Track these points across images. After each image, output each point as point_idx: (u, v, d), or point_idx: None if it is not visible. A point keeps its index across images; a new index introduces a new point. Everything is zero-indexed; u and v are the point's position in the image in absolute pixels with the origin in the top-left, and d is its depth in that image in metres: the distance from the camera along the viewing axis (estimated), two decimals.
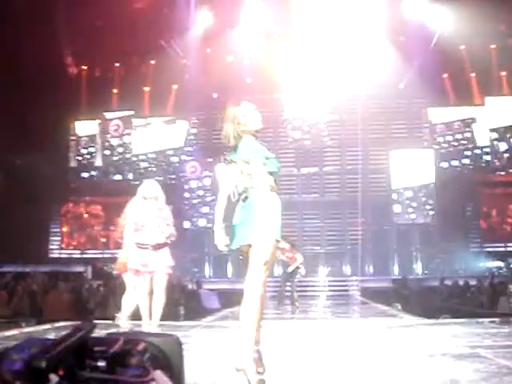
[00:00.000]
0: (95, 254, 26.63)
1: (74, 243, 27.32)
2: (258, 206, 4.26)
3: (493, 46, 26.17)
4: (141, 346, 1.70)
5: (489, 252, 24.85)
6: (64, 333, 1.60)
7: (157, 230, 7.06)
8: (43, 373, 1.49)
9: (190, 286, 17.31)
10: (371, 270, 25.24)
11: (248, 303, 4.13)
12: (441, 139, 26.38)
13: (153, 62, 27.65)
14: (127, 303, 7.41)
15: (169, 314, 10.97)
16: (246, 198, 4.38)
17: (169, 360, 1.96)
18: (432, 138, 26.44)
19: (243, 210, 4.35)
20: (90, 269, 23.49)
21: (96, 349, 1.60)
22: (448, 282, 16.81)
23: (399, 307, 13.78)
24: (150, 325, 6.99)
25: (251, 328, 4.10)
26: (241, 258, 4.37)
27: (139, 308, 7.15)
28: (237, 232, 4.35)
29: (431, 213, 25.26)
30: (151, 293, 7.01)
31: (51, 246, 27.34)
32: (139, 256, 6.98)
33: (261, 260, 4.11)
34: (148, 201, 7.27)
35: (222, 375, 4.87)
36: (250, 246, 4.20)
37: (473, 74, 26.32)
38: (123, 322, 7.36)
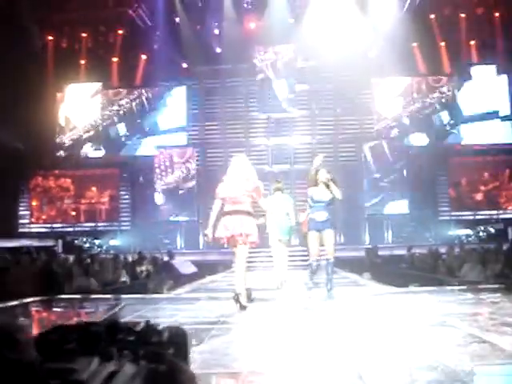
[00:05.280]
0: (66, 227, 26.41)
1: (44, 217, 26.99)
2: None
3: (462, 15, 26.25)
4: (160, 327, 2.03)
5: (458, 220, 25.15)
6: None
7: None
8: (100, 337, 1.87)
9: (162, 258, 17.20)
10: (342, 239, 25.38)
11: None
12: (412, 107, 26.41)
13: (121, 31, 27.18)
14: None
15: (138, 286, 10.97)
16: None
17: (177, 348, 2.17)
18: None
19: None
20: (60, 243, 23.30)
21: (124, 326, 1.95)
22: (417, 251, 16.96)
23: (369, 276, 13.89)
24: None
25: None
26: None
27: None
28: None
29: (402, 182, 25.32)
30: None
31: (21, 221, 27.02)
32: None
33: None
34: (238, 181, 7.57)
35: None
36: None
37: (442, 44, 26.35)
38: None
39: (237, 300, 7.35)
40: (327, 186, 8.72)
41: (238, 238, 7.42)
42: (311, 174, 8.91)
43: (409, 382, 3.69)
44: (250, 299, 7.81)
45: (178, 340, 2.15)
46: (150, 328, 2.00)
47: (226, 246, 7.74)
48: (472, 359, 4.16)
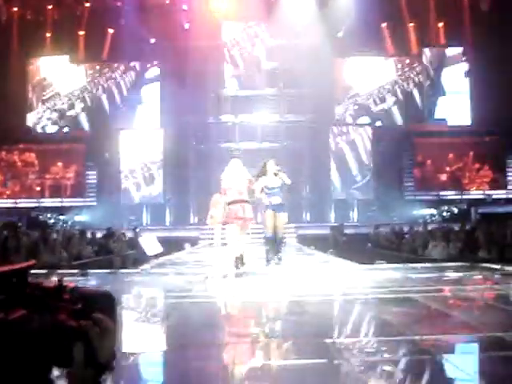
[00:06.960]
0: (30, 203, 26.01)
1: (8, 192, 26.55)
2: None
3: None
4: (72, 285, 2.01)
5: (422, 200, 25.47)
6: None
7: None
8: None
9: (128, 235, 17.07)
10: (308, 217, 25.54)
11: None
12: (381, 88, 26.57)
13: (88, 5, 26.69)
14: None
15: (105, 261, 10.93)
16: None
17: (103, 312, 2.23)
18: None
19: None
20: (24, 218, 22.97)
21: (33, 282, 1.93)
22: (382, 229, 17.16)
23: (334, 253, 14.02)
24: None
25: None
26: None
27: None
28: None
29: (368, 161, 25.50)
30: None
31: None
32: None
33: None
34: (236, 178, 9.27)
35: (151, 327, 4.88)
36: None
37: (411, 24, 26.47)
38: None
39: (241, 261, 9.11)
40: (275, 175, 10.28)
41: (243, 220, 9.03)
42: (261, 166, 10.51)
43: (373, 352, 3.76)
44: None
45: (104, 304, 2.15)
46: (61, 286, 2.02)
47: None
48: (434, 332, 4.25)
